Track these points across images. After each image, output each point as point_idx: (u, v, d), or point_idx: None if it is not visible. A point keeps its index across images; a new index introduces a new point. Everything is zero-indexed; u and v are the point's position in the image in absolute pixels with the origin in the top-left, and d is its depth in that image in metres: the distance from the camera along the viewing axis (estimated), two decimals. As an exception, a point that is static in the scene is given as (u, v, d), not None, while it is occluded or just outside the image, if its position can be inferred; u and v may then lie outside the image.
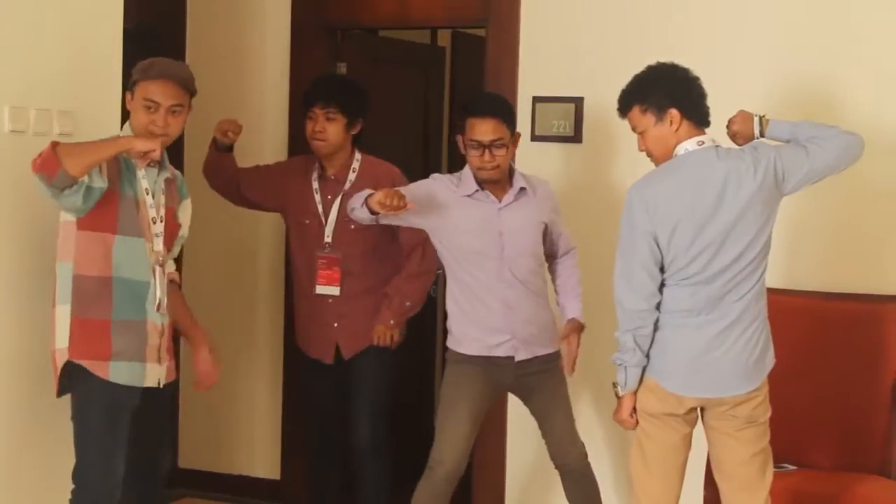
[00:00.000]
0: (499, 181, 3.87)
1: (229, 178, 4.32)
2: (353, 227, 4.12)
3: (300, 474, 4.84)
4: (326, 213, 4.21)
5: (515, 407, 4.60)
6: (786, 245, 4.01)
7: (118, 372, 3.39)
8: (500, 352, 3.88)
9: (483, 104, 3.87)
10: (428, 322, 5.36)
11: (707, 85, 3.47)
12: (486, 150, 3.78)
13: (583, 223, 4.48)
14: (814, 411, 4.02)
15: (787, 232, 4.12)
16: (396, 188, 3.69)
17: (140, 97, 3.44)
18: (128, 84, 3.52)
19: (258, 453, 5.00)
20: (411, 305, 4.22)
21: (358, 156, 4.27)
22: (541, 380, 3.93)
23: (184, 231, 3.67)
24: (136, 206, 3.43)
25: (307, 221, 4.24)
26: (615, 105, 4.44)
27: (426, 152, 5.50)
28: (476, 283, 3.87)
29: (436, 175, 3.99)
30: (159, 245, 3.47)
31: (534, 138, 4.56)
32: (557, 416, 3.96)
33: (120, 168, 3.42)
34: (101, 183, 3.29)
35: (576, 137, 4.51)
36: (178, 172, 3.68)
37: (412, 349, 4.52)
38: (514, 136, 3.87)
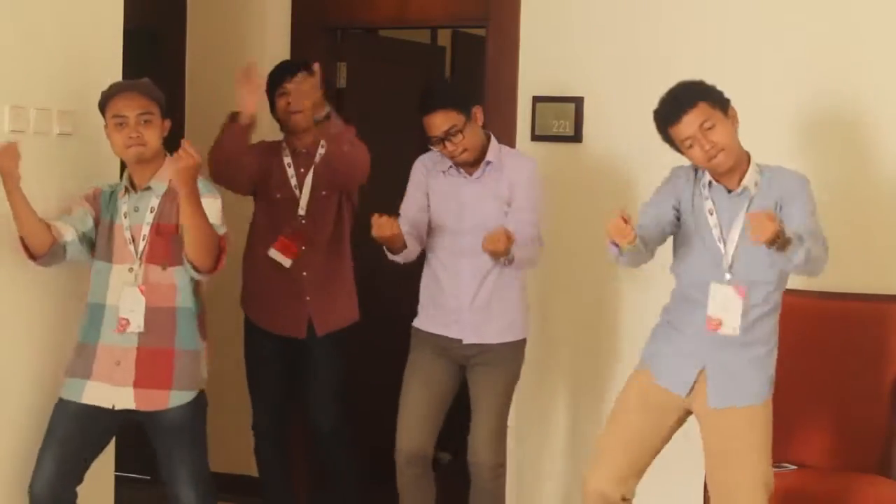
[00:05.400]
0: (477, 161, 3.92)
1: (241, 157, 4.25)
2: (324, 193, 4.21)
3: (300, 474, 4.84)
4: (300, 185, 4.25)
5: (515, 407, 4.60)
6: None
7: (66, 386, 3.54)
8: (449, 332, 3.92)
9: (425, 101, 3.89)
10: (405, 306, 5.32)
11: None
12: (445, 142, 3.83)
13: (583, 223, 4.48)
14: (814, 411, 4.01)
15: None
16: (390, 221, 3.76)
17: (110, 119, 3.52)
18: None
19: (258, 453, 4.99)
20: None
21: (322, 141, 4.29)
22: (484, 371, 3.92)
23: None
24: (112, 232, 3.53)
25: (278, 195, 4.25)
26: (615, 105, 4.46)
27: (426, 152, 5.49)
28: (436, 259, 3.96)
29: (420, 157, 4.06)
30: (137, 265, 3.51)
31: (534, 138, 4.56)
32: (483, 410, 3.93)
33: (102, 202, 3.58)
34: (85, 227, 3.56)
35: (576, 137, 4.50)
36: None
37: (389, 334, 4.47)
38: (472, 114, 3.87)
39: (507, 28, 4.60)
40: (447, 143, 3.83)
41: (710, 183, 3.45)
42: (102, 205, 3.59)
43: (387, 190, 4.28)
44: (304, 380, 4.34)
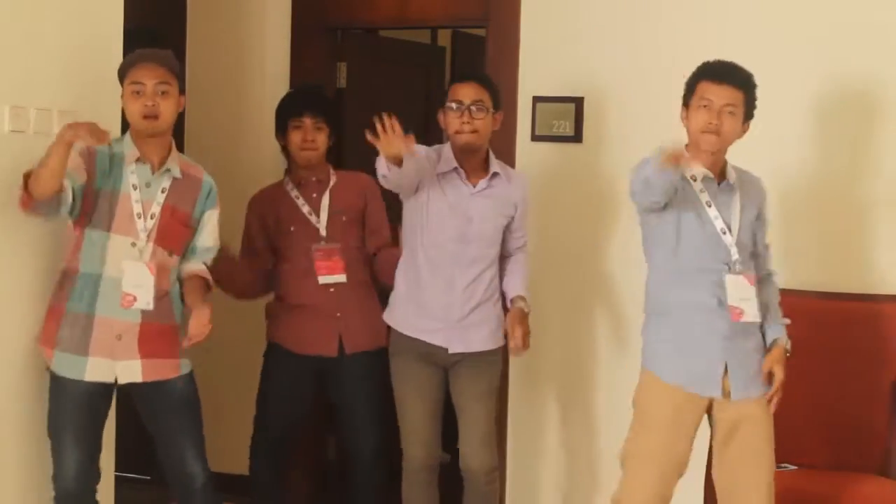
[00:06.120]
0: (476, 152, 3.86)
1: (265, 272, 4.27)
2: (344, 219, 4.16)
3: (300, 474, 4.85)
4: (315, 208, 4.18)
5: (516, 408, 4.61)
6: (785, 245, 4.01)
7: (60, 362, 3.47)
8: (434, 340, 3.87)
9: (467, 71, 3.96)
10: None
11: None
12: (466, 112, 3.80)
13: (582, 223, 4.48)
14: (814, 411, 4.01)
15: (786, 232, 4.12)
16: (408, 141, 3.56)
17: (127, 86, 3.52)
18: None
19: (258, 453, 4.98)
20: None
21: (332, 170, 4.26)
22: (468, 378, 3.90)
23: (207, 241, 3.67)
24: (114, 201, 3.49)
25: (292, 228, 4.18)
26: (615, 105, 4.45)
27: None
28: (427, 264, 3.87)
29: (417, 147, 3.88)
30: (143, 241, 3.50)
31: (534, 138, 4.56)
32: (472, 417, 3.89)
33: (98, 163, 3.49)
34: (79, 181, 3.41)
35: (576, 137, 4.50)
36: (205, 179, 3.68)
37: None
38: (497, 113, 3.88)
39: (507, 28, 4.60)
40: (466, 114, 3.79)
41: (699, 176, 3.46)
42: (99, 169, 3.50)
43: (388, 191, 4.27)
44: (337, 404, 4.27)
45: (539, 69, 4.57)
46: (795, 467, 3.92)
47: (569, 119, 4.51)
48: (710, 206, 3.45)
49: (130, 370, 3.50)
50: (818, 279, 4.19)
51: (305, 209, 4.19)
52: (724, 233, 3.45)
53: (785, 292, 4.04)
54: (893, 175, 4.15)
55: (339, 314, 4.18)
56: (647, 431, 3.51)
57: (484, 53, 4.73)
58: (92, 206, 3.47)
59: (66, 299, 3.48)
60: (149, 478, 4.77)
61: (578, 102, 4.50)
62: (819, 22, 4.20)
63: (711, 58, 3.50)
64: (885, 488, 3.83)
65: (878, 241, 4.18)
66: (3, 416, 3.55)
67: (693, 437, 3.51)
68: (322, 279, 4.13)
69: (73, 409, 3.48)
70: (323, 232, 4.17)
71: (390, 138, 3.47)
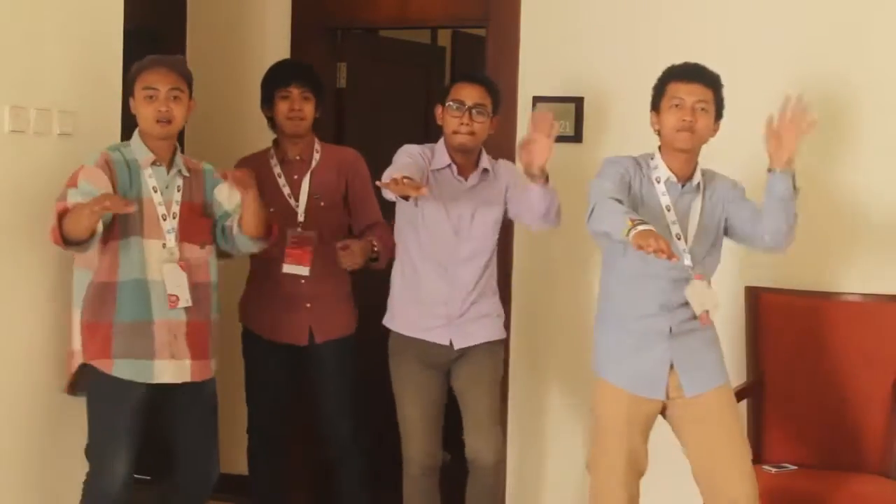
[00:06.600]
0: (470, 152, 3.87)
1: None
2: (322, 204, 4.15)
3: (299, 474, 4.85)
4: (296, 192, 4.19)
5: (516, 407, 4.61)
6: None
7: (121, 368, 3.48)
8: (436, 338, 3.87)
9: (472, 73, 3.97)
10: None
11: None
12: (467, 113, 3.80)
13: (582, 222, 4.47)
14: (813, 411, 4.02)
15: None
16: (406, 176, 3.52)
17: (140, 91, 3.54)
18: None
19: (258, 453, 4.98)
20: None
21: (317, 143, 4.27)
22: (473, 360, 3.90)
23: (233, 200, 3.68)
24: (140, 207, 3.50)
25: (272, 209, 4.11)
26: (615, 105, 4.45)
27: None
28: (422, 262, 3.87)
29: (407, 147, 3.88)
30: (172, 241, 3.54)
31: (534, 138, 4.56)
32: (477, 396, 3.89)
33: (119, 174, 3.51)
34: (108, 216, 3.43)
35: (576, 137, 4.51)
36: (203, 166, 3.75)
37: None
38: (494, 118, 3.89)
39: (507, 28, 4.61)
40: (467, 115, 3.79)
41: (663, 178, 3.47)
42: (120, 175, 3.53)
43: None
44: (310, 391, 4.29)
45: (539, 69, 4.57)
46: (795, 467, 3.92)
47: (569, 119, 4.52)
48: (669, 210, 3.45)
49: (182, 370, 3.56)
50: (817, 279, 4.19)
51: (286, 191, 4.19)
52: (679, 238, 3.43)
53: (784, 292, 4.05)
54: (891, 172, 4.15)
55: (308, 305, 4.19)
56: (605, 438, 3.52)
57: (484, 53, 4.74)
58: (120, 217, 3.48)
59: (114, 313, 3.49)
60: (149, 478, 4.77)
61: (578, 102, 4.50)
62: (817, 24, 4.20)
63: (711, 57, 3.51)
64: (884, 488, 3.84)
65: (879, 241, 4.17)
66: (11, 427, 3.59)
67: (647, 438, 3.52)
68: (286, 268, 4.13)
69: (131, 414, 3.51)
70: (301, 217, 4.17)
71: (403, 189, 3.45)
